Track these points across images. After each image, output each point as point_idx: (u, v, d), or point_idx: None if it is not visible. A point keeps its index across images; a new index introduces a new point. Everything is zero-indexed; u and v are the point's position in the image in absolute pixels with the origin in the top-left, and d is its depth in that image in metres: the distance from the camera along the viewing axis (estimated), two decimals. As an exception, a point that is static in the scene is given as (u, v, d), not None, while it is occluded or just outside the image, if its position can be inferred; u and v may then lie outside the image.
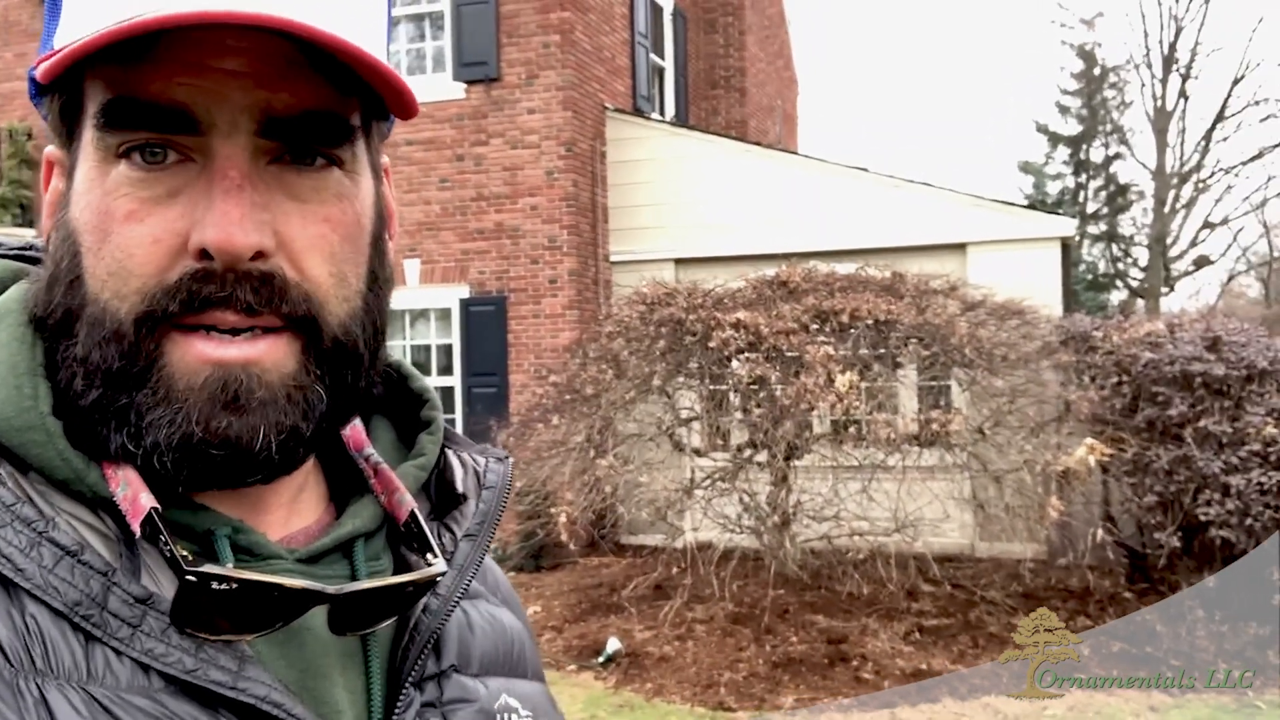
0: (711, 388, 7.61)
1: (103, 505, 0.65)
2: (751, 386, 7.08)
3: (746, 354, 7.08)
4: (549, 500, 7.41)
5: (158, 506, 0.63)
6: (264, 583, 0.62)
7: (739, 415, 7.59)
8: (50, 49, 0.65)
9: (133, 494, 0.64)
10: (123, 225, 0.63)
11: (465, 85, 10.56)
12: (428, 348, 10.80)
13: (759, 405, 7.09)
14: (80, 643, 0.60)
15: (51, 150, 0.71)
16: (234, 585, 0.61)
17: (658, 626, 7.03)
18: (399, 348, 10.82)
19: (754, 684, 6.18)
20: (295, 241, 0.64)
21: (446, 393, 10.61)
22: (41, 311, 0.67)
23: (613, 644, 6.80)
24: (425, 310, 10.74)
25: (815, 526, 7.20)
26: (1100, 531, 6.93)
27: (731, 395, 7.53)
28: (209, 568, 0.61)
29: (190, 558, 0.62)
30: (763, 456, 7.29)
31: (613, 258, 10.96)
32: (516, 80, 10.45)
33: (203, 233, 0.61)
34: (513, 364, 10.43)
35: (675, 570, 7.43)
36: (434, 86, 10.60)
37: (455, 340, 10.65)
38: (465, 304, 10.61)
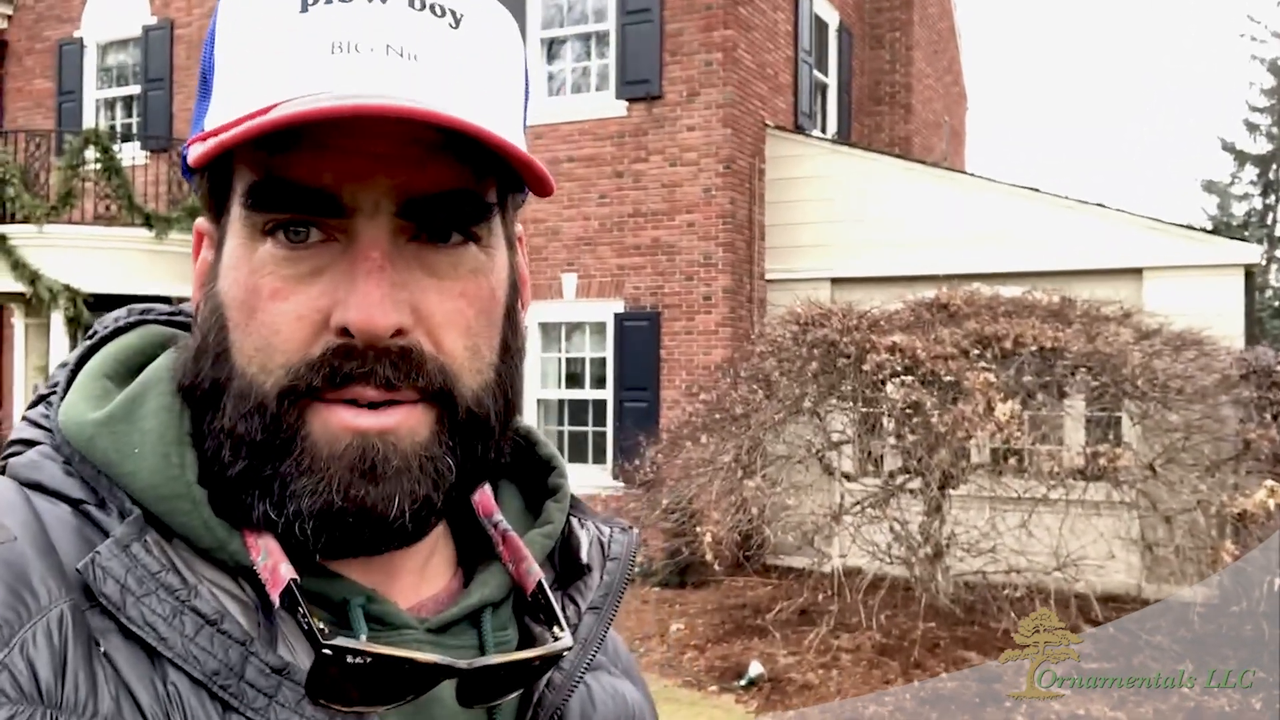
0: (864, 411, 7.46)
1: (243, 573, 0.67)
2: (906, 411, 6.91)
3: (902, 378, 6.92)
4: (695, 518, 7.38)
5: (296, 578, 0.65)
6: (397, 657, 0.63)
7: (892, 441, 7.42)
8: (202, 130, 0.68)
9: (273, 564, 0.66)
10: (269, 303, 0.65)
11: (627, 103, 10.67)
12: (582, 360, 10.93)
13: (913, 431, 6.91)
14: (218, 712, 0.62)
15: (201, 222, 0.73)
16: (368, 659, 0.62)
17: (802, 652, 6.92)
18: (554, 359, 11.00)
19: (900, 718, 6.01)
20: (433, 317, 0.66)
21: (598, 406, 10.71)
22: (189, 381, 0.69)
23: (755, 667, 6.72)
24: (581, 324, 10.88)
25: (969, 560, 6.97)
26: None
27: (885, 420, 7.37)
28: (344, 641, 0.62)
29: (327, 630, 0.63)
30: (916, 484, 7.10)
31: (768, 276, 10.89)
32: (678, 98, 10.51)
33: (345, 313, 0.63)
34: (664, 379, 10.47)
35: (821, 596, 7.30)
36: (596, 104, 10.76)
37: (609, 354, 10.76)
38: (620, 318, 10.70)
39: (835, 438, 7.65)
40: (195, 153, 0.66)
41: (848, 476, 7.68)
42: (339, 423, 0.64)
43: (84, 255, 11.65)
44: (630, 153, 10.65)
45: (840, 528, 7.20)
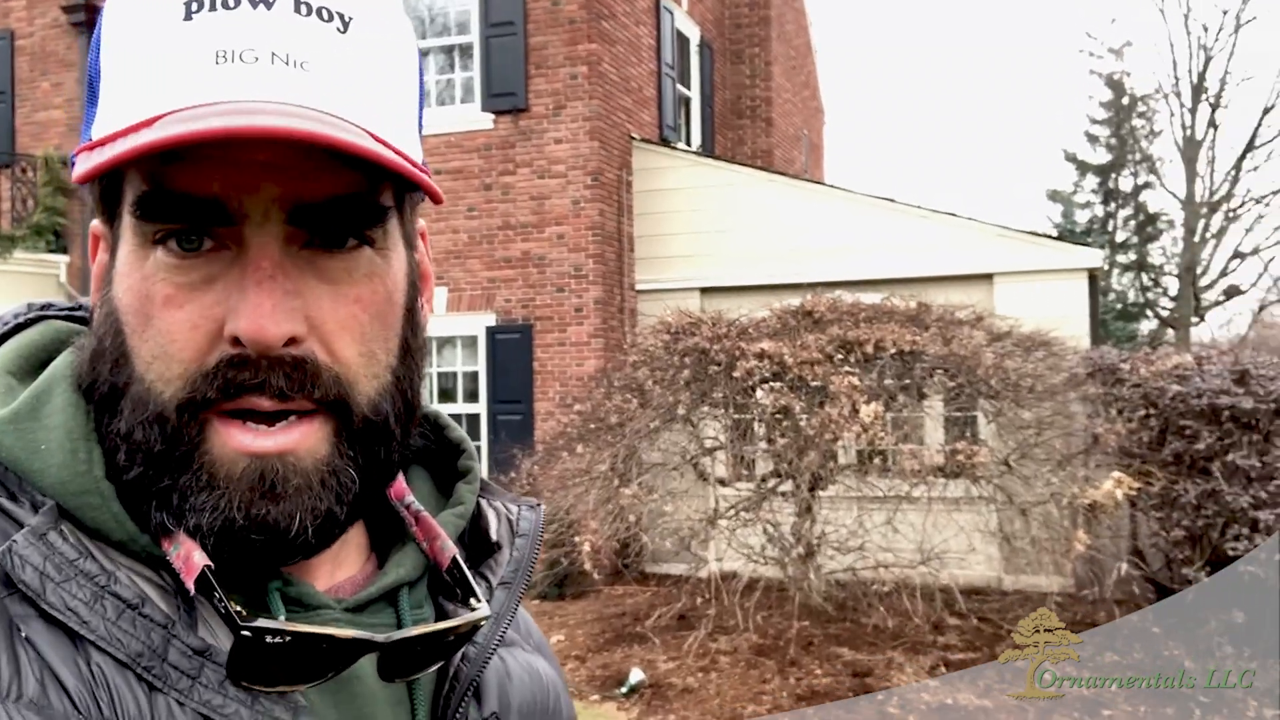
0: (736, 417, 7.61)
1: (158, 562, 0.68)
2: (776, 416, 7.08)
3: (771, 384, 7.09)
4: (573, 529, 7.41)
5: (210, 565, 0.65)
6: (316, 634, 0.64)
7: (763, 445, 7.58)
8: (89, 139, 0.67)
9: (185, 552, 0.66)
10: (163, 310, 0.65)
11: (494, 116, 10.65)
12: (454, 375, 10.86)
13: (783, 435, 7.09)
14: (144, 693, 0.63)
15: (96, 224, 0.73)
16: (287, 638, 0.63)
17: (681, 657, 7.02)
18: (426, 374, 10.87)
19: (778, 717, 6.15)
20: (326, 324, 0.66)
21: (472, 420, 10.65)
22: (88, 383, 0.70)
23: (636, 674, 6.79)
24: (452, 338, 10.81)
25: (840, 558, 7.17)
26: (1127, 565, 6.86)
27: (756, 425, 7.53)
28: (263, 622, 0.62)
29: (244, 613, 0.63)
30: (787, 486, 7.28)
31: (638, 286, 11.00)
32: (544, 111, 10.54)
33: (236, 323, 0.64)
34: (538, 392, 10.47)
35: (699, 600, 7.41)
36: (462, 117, 10.71)
37: (481, 368, 10.70)
38: (491, 331, 10.67)
39: (708, 444, 7.78)
40: (81, 167, 0.66)
41: (722, 482, 7.81)
42: (236, 445, 0.65)
43: (-78, 277, 11.06)
44: (498, 165, 10.64)
45: (715, 532, 7.32)
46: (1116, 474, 6.63)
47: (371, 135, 0.64)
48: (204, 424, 0.65)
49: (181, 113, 0.61)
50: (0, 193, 12.36)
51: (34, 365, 0.75)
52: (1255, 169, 24.19)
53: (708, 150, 13.24)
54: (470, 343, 10.78)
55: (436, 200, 0.70)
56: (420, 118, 0.75)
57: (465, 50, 10.94)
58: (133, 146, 0.61)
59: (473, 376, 10.77)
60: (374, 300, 0.69)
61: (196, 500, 0.65)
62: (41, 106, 12.58)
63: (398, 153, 0.65)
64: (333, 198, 0.65)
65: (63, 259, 12.36)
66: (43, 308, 0.80)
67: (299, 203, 0.65)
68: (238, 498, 0.65)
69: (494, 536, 0.82)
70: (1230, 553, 6.38)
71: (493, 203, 10.68)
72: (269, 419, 0.65)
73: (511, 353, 10.56)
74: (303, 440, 0.66)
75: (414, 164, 0.67)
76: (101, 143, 0.65)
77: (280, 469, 0.65)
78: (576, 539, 7.24)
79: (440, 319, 10.68)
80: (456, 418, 10.65)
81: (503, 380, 10.56)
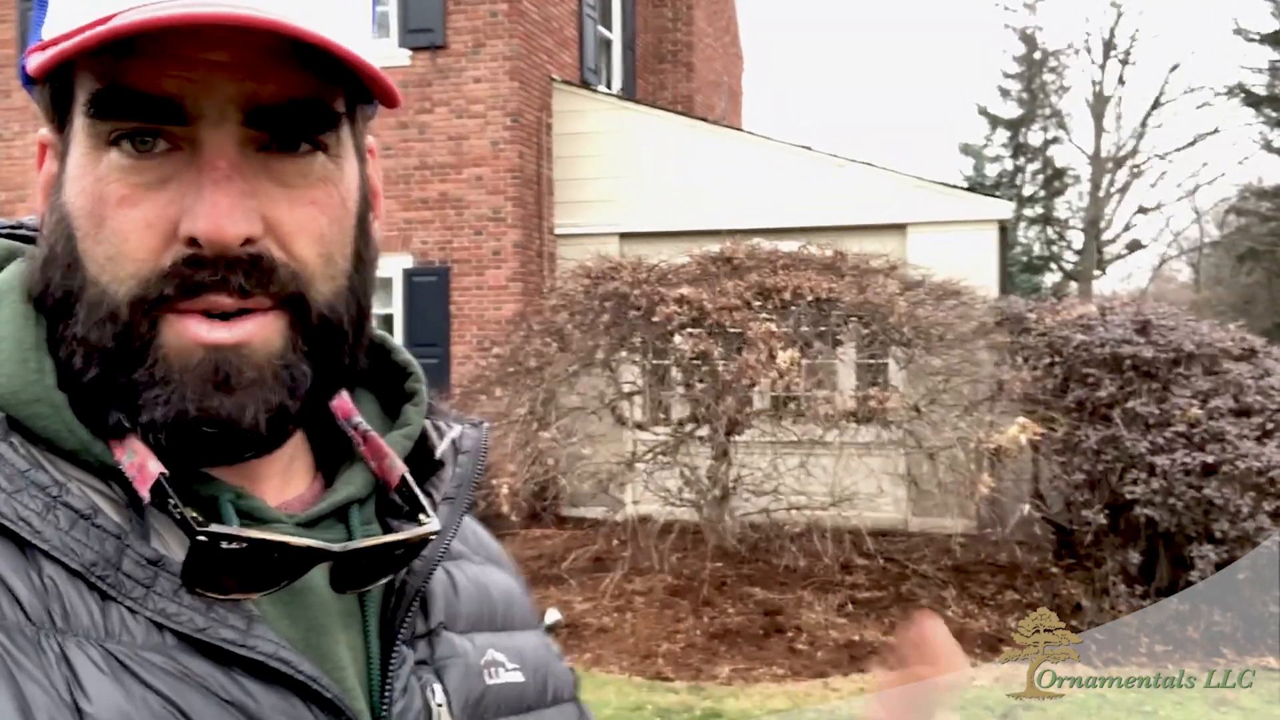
0: (654, 362, 7.67)
1: (110, 474, 0.67)
2: (694, 362, 7.15)
3: (690, 329, 7.15)
4: (490, 471, 7.42)
5: (165, 472, 0.65)
6: (271, 541, 0.64)
7: (681, 390, 7.66)
8: (40, 40, 0.66)
9: (140, 461, 0.66)
10: (117, 210, 0.65)
11: (411, 52, 10.44)
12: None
13: (701, 380, 7.17)
14: (97, 602, 0.62)
15: (44, 133, 0.72)
16: (242, 545, 0.63)
17: (597, 598, 7.10)
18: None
19: (691, 655, 6.28)
20: (283, 225, 0.66)
21: (388, 363, 10.54)
22: (38, 291, 0.69)
23: (552, 615, 6.85)
24: (367, 279, 10.65)
25: (754, 500, 7.31)
26: (1029, 508, 7.11)
27: (674, 370, 7.60)
28: (218, 528, 0.63)
29: (200, 519, 0.64)
30: (704, 431, 7.37)
31: (557, 230, 10.95)
32: (463, 49, 10.37)
33: (193, 222, 0.63)
34: (455, 335, 10.41)
35: (615, 543, 7.50)
36: (378, 53, 10.37)
37: (397, 310, 10.59)
38: (408, 274, 10.55)
39: (627, 388, 7.83)
40: (34, 62, 0.65)
41: (640, 426, 7.88)
42: (191, 336, 0.65)
43: None
44: (415, 104, 10.45)
45: (633, 475, 7.40)
46: (1021, 420, 6.84)
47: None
48: (157, 319, 0.65)
49: (136, 10, 0.61)
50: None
51: None
52: (1160, 126, 24.93)
53: (629, 94, 13.16)
54: (385, 285, 10.64)
55: (393, 103, 0.70)
56: (372, 26, 0.75)
57: (382, -16, 10.68)
58: (93, 34, 0.61)
59: (387, 320, 10.65)
60: (329, 204, 0.69)
61: (150, 394, 0.65)
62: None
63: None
64: (290, 100, 0.66)
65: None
66: None
67: (256, 104, 0.65)
68: (190, 389, 0.65)
69: (438, 454, 0.83)
70: (1128, 496, 6.64)
71: (409, 141, 10.51)
72: (226, 317, 0.66)
73: (428, 296, 10.46)
74: (258, 332, 0.66)
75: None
76: (54, 42, 0.64)
77: (234, 360, 0.65)
78: (494, 482, 7.26)
79: (355, 260, 10.51)
80: (372, 360, 10.53)
81: (419, 323, 10.46)
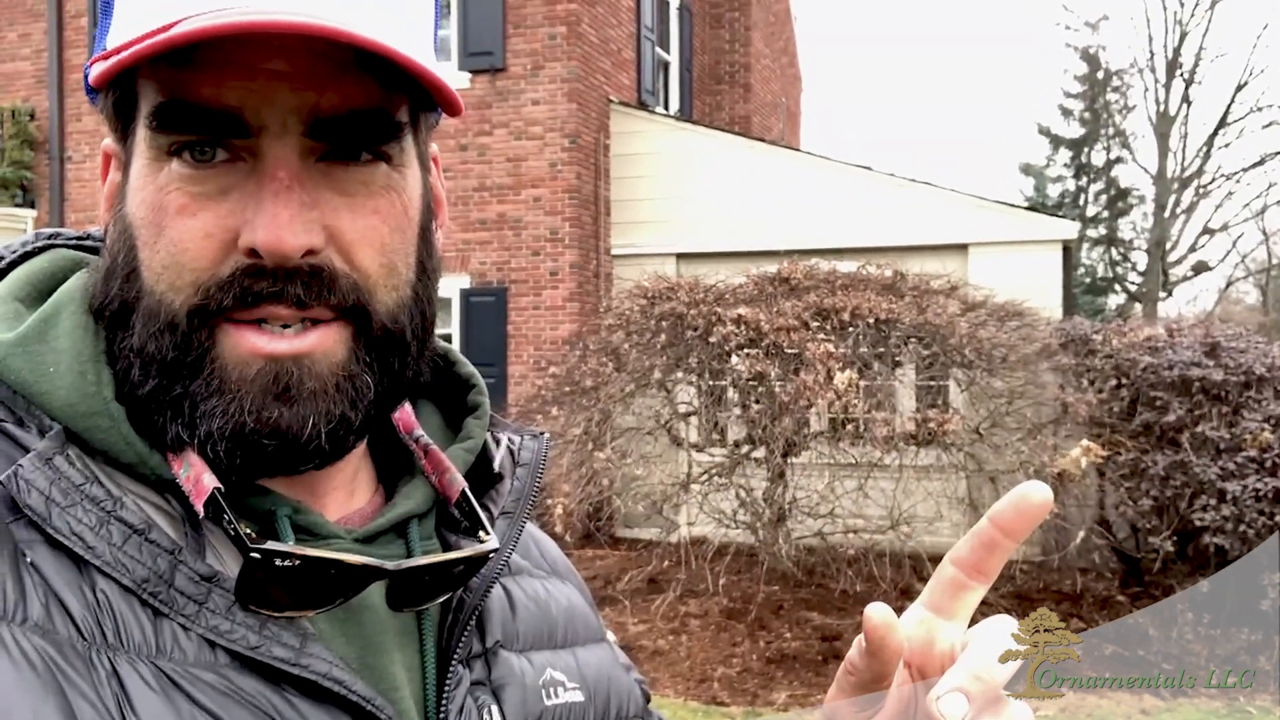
0: (711, 383, 7.62)
1: (167, 487, 0.67)
2: (751, 383, 7.10)
3: (746, 350, 7.09)
4: (545, 491, 7.42)
5: (220, 487, 0.65)
6: (326, 559, 0.63)
7: (737, 411, 7.60)
8: (104, 49, 0.67)
9: (195, 475, 0.65)
10: (176, 219, 0.65)
11: (470, 75, 10.56)
12: (427, 337, 10.79)
13: (758, 401, 7.11)
14: (149, 618, 0.62)
15: (108, 144, 0.72)
16: (297, 562, 0.62)
17: (651, 619, 7.06)
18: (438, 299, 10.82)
19: (747, 679, 6.21)
20: (345, 235, 0.66)
21: (445, 382, 10.61)
22: (100, 302, 0.69)
23: (607, 636, 6.82)
24: (425, 299, 10.74)
25: (810, 523, 7.22)
26: (1084, 533, 6.95)
27: (730, 391, 7.55)
28: (273, 545, 0.62)
29: (254, 535, 0.63)
30: (760, 453, 7.30)
31: (614, 251, 10.97)
32: (522, 71, 10.46)
33: (253, 234, 0.63)
34: (512, 355, 10.45)
35: (670, 564, 7.45)
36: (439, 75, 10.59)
37: (455, 330, 10.66)
38: (466, 294, 10.62)
39: (683, 409, 7.79)
40: (96, 72, 0.66)
41: (695, 447, 7.83)
42: (249, 347, 0.64)
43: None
44: (474, 125, 10.56)
45: (688, 497, 7.35)
46: (1084, 443, 6.69)
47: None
48: (215, 329, 0.65)
49: (199, 17, 0.61)
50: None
51: (42, 291, 0.74)
52: (1227, 145, 24.47)
53: (686, 115, 13.18)
54: (444, 305, 10.72)
55: (456, 111, 0.69)
56: (435, 36, 0.74)
57: (442, 7, 10.80)
58: (151, 43, 0.60)
59: (446, 339, 10.59)
60: (392, 213, 0.68)
61: (208, 405, 0.65)
62: (7, 58, 12.34)
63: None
64: (352, 111, 0.65)
65: (30, 213, 12.16)
66: (50, 236, 0.79)
67: (318, 115, 0.64)
68: (249, 401, 0.64)
69: (496, 467, 0.82)
70: (1197, 523, 6.47)
71: (468, 164, 10.60)
72: (285, 328, 0.65)
73: (486, 316, 10.53)
74: (319, 343, 0.66)
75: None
76: (117, 50, 0.64)
77: (295, 371, 0.65)
78: (549, 501, 7.25)
79: (414, 280, 10.61)
80: (429, 380, 10.60)
81: (476, 343, 10.52)
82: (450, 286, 10.63)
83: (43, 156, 12.07)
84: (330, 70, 0.64)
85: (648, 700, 0.91)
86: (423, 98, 0.69)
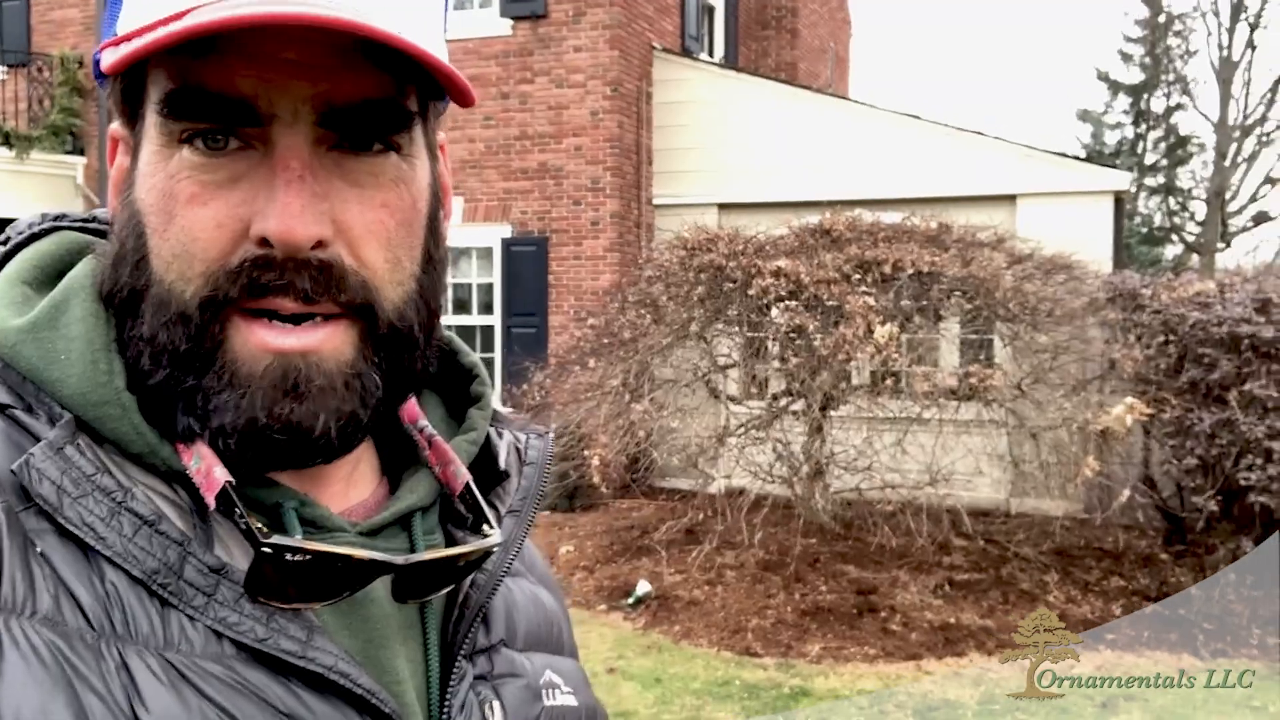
0: (749, 335, 7.58)
1: (176, 478, 0.67)
2: (790, 335, 7.05)
3: (786, 302, 7.04)
4: (583, 442, 7.44)
5: (232, 480, 0.65)
6: (335, 554, 0.64)
7: (776, 364, 7.56)
8: (114, 34, 0.66)
9: (206, 468, 0.66)
10: (187, 208, 0.64)
11: (512, 21, 10.46)
12: (469, 286, 10.84)
13: (796, 354, 7.06)
14: (157, 609, 0.62)
15: (116, 128, 0.72)
16: (307, 557, 0.63)
17: (687, 570, 7.09)
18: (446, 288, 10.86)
19: (781, 631, 6.23)
20: (353, 228, 0.66)
21: (486, 332, 10.66)
22: (109, 289, 0.69)
23: (643, 586, 6.87)
24: (468, 249, 10.77)
25: (847, 478, 7.19)
26: (1129, 491, 6.86)
27: (769, 343, 7.50)
28: (282, 539, 0.63)
29: (264, 529, 0.64)
30: (798, 406, 7.27)
31: (655, 201, 10.90)
32: (564, 17, 10.35)
33: (265, 223, 0.63)
34: (552, 305, 10.45)
35: (706, 516, 7.47)
36: (480, 22, 10.53)
37: (496, 280, 10.68)
38: (507, 244, 10.62)
39: (721, 361, 7.76)
40: (108, 60, 0.65)
41: (733, 399, 7.81)
42: (258, 342, 0.65)
43: (-62, 176, 11.07)
44: (516, 74, 10.48)
45: (725, 449, 7.34)
46: (1129, 400, 6.59)
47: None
48: (226, 322, 0.65)
49: (210, 6, 0.60)
50: (17, 93, 12.27)
51: (50, 275, 0.74)
52: (1292, 93, 23.61)
53: (730, 62, 12.99)
54: (485, 254, 10.74)
55: (468, 100, 0.68)
56: (445, 22, 0.74)
57: (484, -47, 10.70)
58: (168, 32, 0.60)
59: (487, 289, 10.75)
60: (400, 206, 0.68)
61: (219, 399, 0.65)
62: (57, 5, 12.43)
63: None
64: (364, 101, 0.65)
65: (79, 160, 12.32)
66: (56, 218, 0.79)
67: (330, 104, 0.64)
68: (260, 396, 0.65)
69: (502, 465, 0.82)
70: (1243, 482, 6.36)
71: (510, 112, 10.55)
72: (293, 320, 0.65)
73: (527, 265, 10.53)
74: (327, 341, 0.66)
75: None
76: (128, 37, 0.64)
77: (303, 368, 0.65)
78: (586, 452, 7.28)
79: (456, 230, 10.63)
80: (471, 329, 10.68)
81: (517, 293, 10.54)
82: (492, 235, 10.63)
83: (92, 104, 12.19)
84: (342, 60, 0.64)
85: None
86: (432, 86, 0.69)
